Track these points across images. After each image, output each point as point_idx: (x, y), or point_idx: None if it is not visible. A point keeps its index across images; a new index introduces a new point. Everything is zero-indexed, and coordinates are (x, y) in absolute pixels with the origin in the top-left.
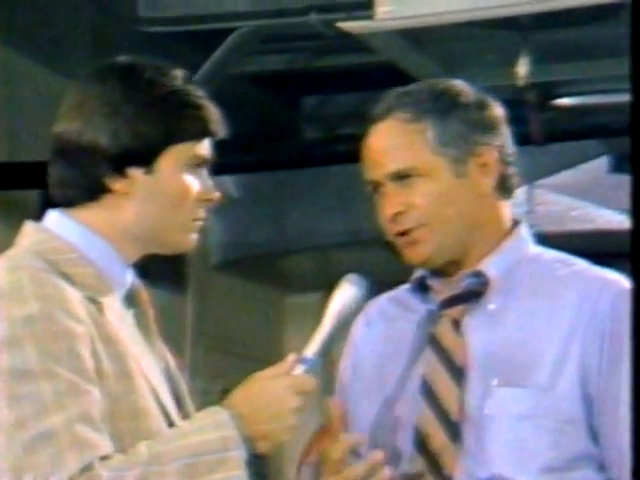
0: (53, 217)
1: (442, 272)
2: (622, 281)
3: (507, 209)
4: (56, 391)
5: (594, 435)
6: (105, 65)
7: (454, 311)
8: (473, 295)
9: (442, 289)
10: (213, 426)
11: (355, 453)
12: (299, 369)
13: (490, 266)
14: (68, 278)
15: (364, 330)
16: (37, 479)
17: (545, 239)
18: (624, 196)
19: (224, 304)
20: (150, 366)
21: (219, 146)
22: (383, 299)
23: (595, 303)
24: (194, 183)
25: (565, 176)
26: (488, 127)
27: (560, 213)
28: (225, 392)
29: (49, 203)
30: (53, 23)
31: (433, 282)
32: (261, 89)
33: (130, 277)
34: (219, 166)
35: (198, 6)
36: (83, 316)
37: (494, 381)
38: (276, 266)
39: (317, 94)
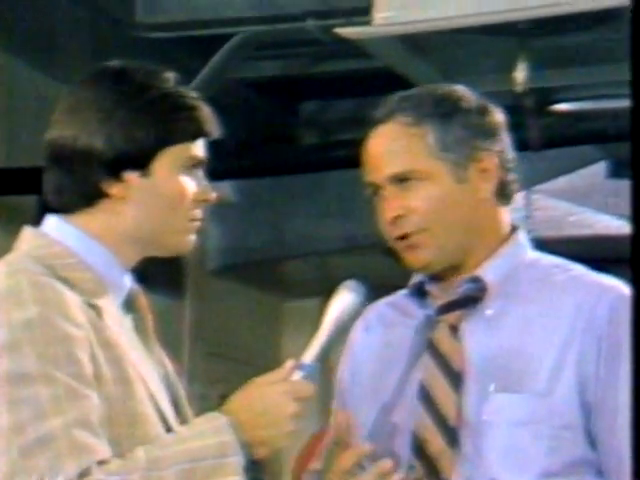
0: (51, 222)
1: (440, 277)
2: (620, 287)
3: (506, 215)
4: (55, 395)
5: (592, 441)
6: (97, 70)
7: (452, 316)
8: (471, 301)
9: (440, 294)
10: (211, 431)
11: (359, 464)
12: (297, 375)
13: (488, 271)
14: (67, 282)
15: (362, 335)
16: None
17: (543, 244)
18: (622, 201)
19: (222, 309)
20: (148, 371)
21: (217, 151)
22: (381, 304)
23: (593, 309)
24: (190, 184)
25: (563, 181)
26: (489, 133)
27: (558, 218)
28: (223, 398)
29: (47, 208)
30: (51, 29)
31: (431, 287)
32: (259, 95)
33: (128, 282)
34: (217, 171)
35: (196, 12)
36: (82, 321)
37: (491, 387)
38: (274, 271)
39: (315, 100)
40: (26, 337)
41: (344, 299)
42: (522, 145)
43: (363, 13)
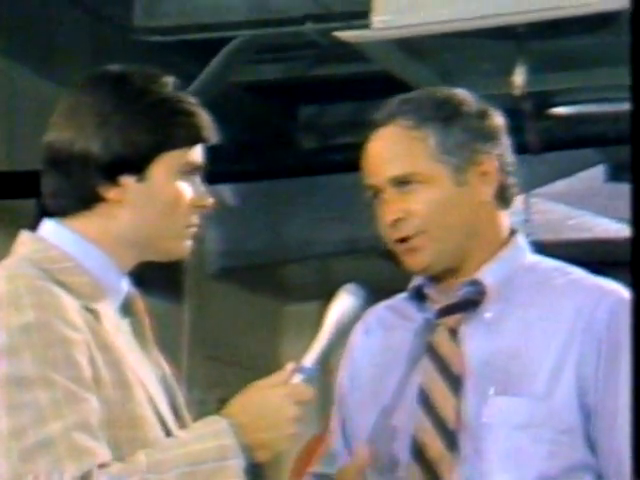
0: (48, 226)
1: (440, 280)
2: (619, 290)
3: (505, 218)
4: (54, 399)
5: (591, 444)
6: (96, 74)
7: (451, 320)
8: (470, 304)
9: (439, 298)
10: (212, 435)
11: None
12: (297, 378)
13: (487, 275)
14: (64, 286)
15: (362, 338)
16: None
17: (542, 248)
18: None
19: (221, 313)
20: (147, 375)
21: (216, 155)
22: (381, 308)
23: (592, 312)
24: (187, 190)
25: (562, 185)
26: (489, 136)
27: (557, 222)
28: (222, 401)
29: (45, 212)
30: (51, 33)
31: (430, 291)
32: (257, 98)
33: (126, 285)
34: (216, 175)
35: (195, 16)
36: (80, 324)
37: (491, 390)
38: (273, 275)
39: (313, 103)
40: (24, 341)
41: (344, 303)
42: (521, 148)
43: (361, 17)
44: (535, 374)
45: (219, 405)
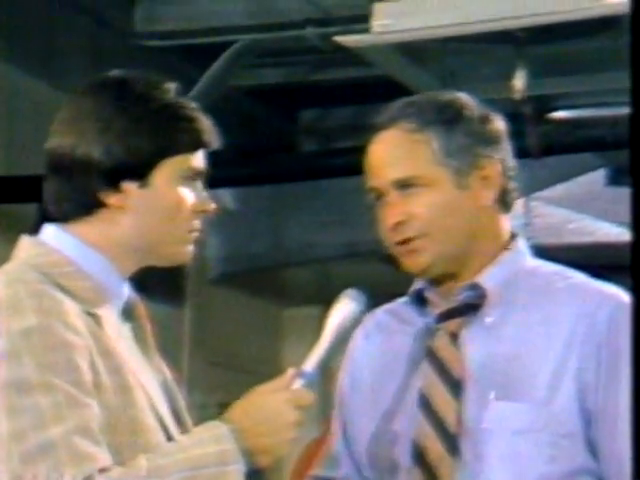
0: (50, 231)
1: (440, 283)
2: (620, 294)
3: (506, 222)
4: (55, 403)
5: (592, 449)
6: (97, 79)
7: (451, 324)
8: (470, 308)
9: (439, 302)
10: (212, 440)
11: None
12: (298, 383)
13: (487, 278)
14: (65, 291)
15: (362, 343)
16: None
17: (542, 252)
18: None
19: (222, 317)
20: (148, 380)
21: (217, 159)
22: (380, 312)
23: (593, 316)
24: (189, 195)
25: (562, 189)
26: (491, 140)
27: (557, 226)
28: (223, 406)
29: (46, 217)
30: (51, 38)
31: (431, 294)
32: (258, 102)
33: (127, 290)
34: (217, 179)
35: (195, 20)
36: (81, 329)
37: (491, 394)
38: (274, 279)
39: (314, 107)
40: (25, 346)
41: (345, 308)
42: (521, 152)
43: (362, 21)
44: (535, 378)
45: (220, 409)
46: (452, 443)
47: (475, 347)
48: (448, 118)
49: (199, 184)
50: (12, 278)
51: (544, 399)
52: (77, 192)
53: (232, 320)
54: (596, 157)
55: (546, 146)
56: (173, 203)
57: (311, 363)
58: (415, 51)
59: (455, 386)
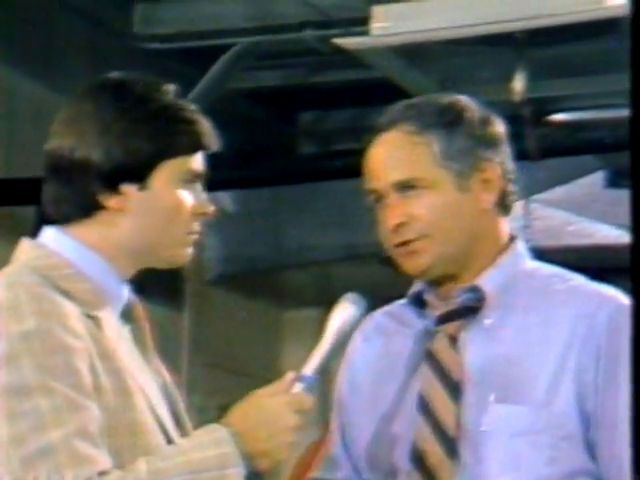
0: (49, 233)
1: (439, 286)
2: (619, 297)
3: (505, 225)
4: (54, 407)
5: (591, 451)
6: (97, 81)
7: (451, 327)
8: (469, 310)
9: (438, 304)
10: (212, 443)
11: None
12: (298, 387)
13: (486, 281)
14: (65, 293)
15: (361, 345)
16: None
17: (541, 254)
18: (620, 211)
19: (221, 319)
20: (148, 382)
21: (216, 162)
22: (379, 314)
23: (592, 319)
24: (188, 197)
25: (561, 191)
26: (491, 143)
27: (557, 228)
28: (222, 408)
29: (45, 219)
30: (50, 40)
31: (430, 297)
32: (257, 105)
33: (126, 292)
34: (216, 182)
35: (194, 23)
36: (81, 331)
37: (491, 397)
38: (274, 281)
39: (313, 110)
40: (24, 349)
41: (345, 311)
42: (520, 155)
43: (361, 23)
44: (535, 381)
45: (219, 412)
46: (451, 446)
47: (474, 349)
48: (449, 120)
49: (198, 186)
50: (12, 281)
51: (543, 401)
52: (76, 194)
53: (231, 322)
54: (595, 159)
55: (546, 148)
56: (172, 205)
57: (310, 367)
58: (414, 53)
59: (454, 389)
